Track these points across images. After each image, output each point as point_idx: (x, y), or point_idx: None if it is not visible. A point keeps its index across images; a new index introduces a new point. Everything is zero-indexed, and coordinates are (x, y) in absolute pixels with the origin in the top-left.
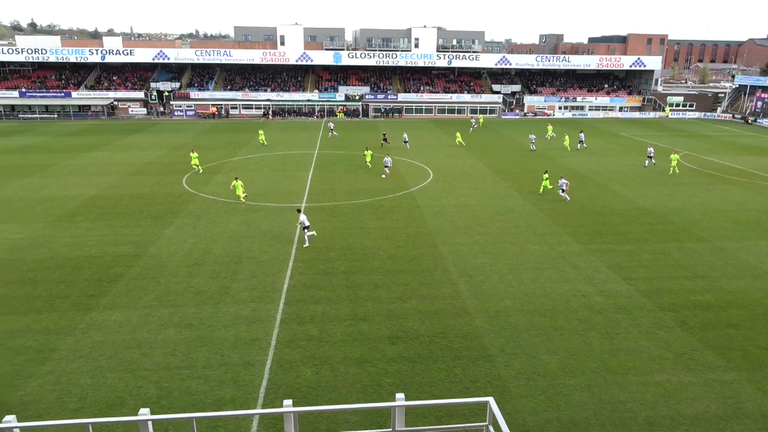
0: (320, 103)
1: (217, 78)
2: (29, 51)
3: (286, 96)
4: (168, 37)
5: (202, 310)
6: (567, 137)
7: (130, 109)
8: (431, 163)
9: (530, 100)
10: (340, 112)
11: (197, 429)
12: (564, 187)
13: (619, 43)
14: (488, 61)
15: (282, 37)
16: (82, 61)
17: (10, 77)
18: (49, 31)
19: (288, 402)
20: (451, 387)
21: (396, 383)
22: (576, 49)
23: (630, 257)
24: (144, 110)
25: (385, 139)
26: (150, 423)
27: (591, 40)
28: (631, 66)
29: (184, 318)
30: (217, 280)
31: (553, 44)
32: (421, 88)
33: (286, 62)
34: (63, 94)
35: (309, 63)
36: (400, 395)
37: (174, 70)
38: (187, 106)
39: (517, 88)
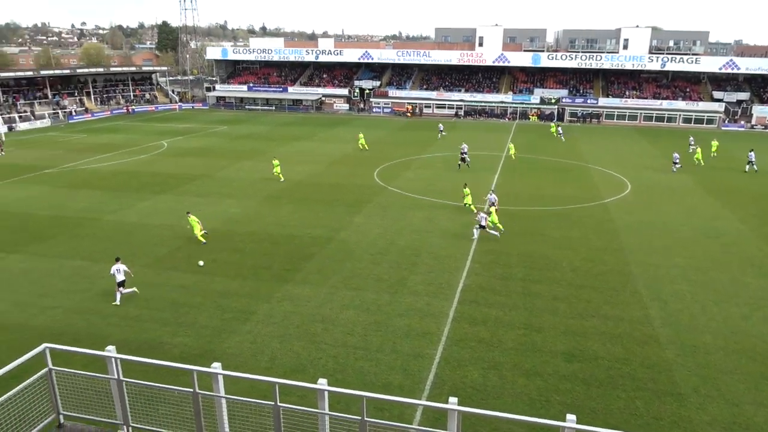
0: (513, 105)
1: (415, 78)
2: (258, 51)
3: (479, 97)
4: (374, 38)
5: (381, 296)
6: (699, 150)
7: (334, 105)
8: (630, 174)
9: (761, 111)
10: (533, 116)
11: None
12: (483, 222)
13: None
14: (711, 64)
15: (481, 38)
16: (299, 60)
17: (242, 73)
18: (276, 33)
19: (453, 400)
20: (630, 419)
21: (566, 403)
22: None
23: None
24: (346, 106)
25: (463, 159)
26: (326, 393)
27: None
28: None
29: (364, 302)
30: (397, 270)
31: None
32: (626, 93)
33: (483, 63)
34: (281, 89)
35: (505, 64)
36: (571, 416)
37: (376, 70)
38: (384, 104)
39: (744, 96)
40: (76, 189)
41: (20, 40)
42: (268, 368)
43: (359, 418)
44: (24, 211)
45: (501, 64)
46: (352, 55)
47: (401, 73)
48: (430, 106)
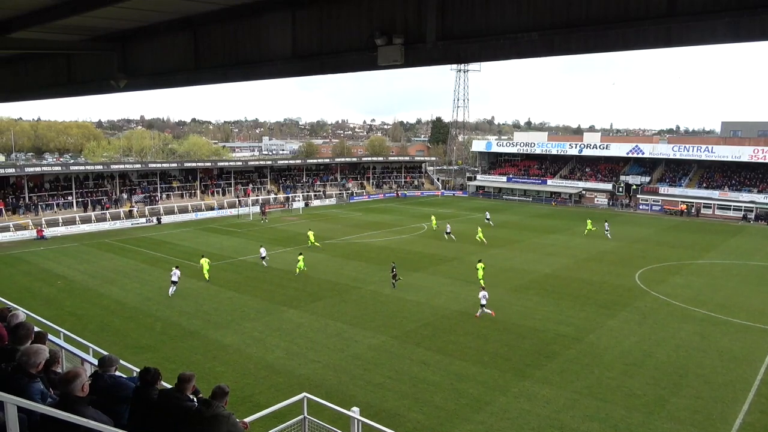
0: None
1: (693, 174)
2: (521, 144)
3: None
4: (645, 132)
5: (632, 415)
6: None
7: (595, 199)
8: None
9: None
10: None
11: None
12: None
13: None
14: None
15: None
16: (562, 153)
17: (503, 165)
18: (540, 127)
19: None
20: None
21: None
22: None
23: None
24: (608, 201)
25: (393, 276)
26: None
27: None
28: None
29: (610, 417)
30: (655, 388)
31: None
32: None
33: None
34: (540, 182)
35: None
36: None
37: (646, 165)
38: (653, 201)
39: None
40: (347, 259)
41: (324, 133)
42: None
43: None
44: (305, 274)
45: None
46: (619, 150)
47: (676, 169)
48: (710, 207)
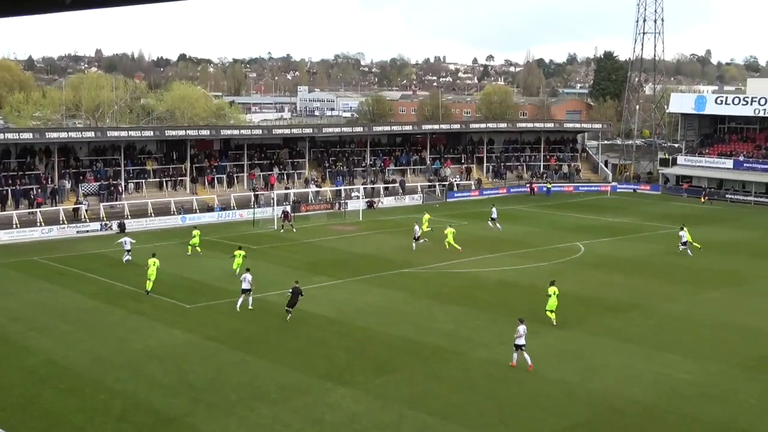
0: None
1: None
2: (761, 101)
3: None
4: None
5: None
6: None
7: None
8: None
9: None
10: None
11: None
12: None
13: None
14: None
15: None
16: None
17: (727, 139)
18: None
19: None
20: None
21: None
22: None
23: None
24: None
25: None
26: None
27: None
28: None
29: None
30: None
31: None
32: None
33: None
34: None
35: None
36: None
37: None
38: None
39: None
40: (440, 302)
41: (404, 81)
42: None
43: None
44: (367, 326)
45: None
46: None
47: None
48: None
